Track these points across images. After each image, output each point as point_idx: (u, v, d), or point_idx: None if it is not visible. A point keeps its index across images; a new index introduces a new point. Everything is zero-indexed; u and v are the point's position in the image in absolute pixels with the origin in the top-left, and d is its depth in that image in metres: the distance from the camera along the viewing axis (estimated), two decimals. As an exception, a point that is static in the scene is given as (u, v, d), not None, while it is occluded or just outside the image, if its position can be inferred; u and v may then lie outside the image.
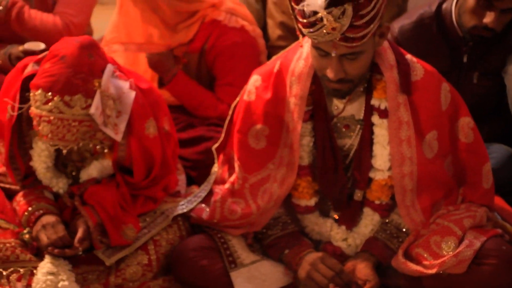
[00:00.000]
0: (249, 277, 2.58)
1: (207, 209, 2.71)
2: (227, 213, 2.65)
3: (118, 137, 2.57)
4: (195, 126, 3.23)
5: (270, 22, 3.58)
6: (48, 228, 2.58)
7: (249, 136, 2.61)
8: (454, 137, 2.56)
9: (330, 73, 2.34)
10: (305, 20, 2.25)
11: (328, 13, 2.19)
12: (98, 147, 2.60)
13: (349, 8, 2.19)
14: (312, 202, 2.63)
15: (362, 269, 2.50)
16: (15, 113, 2.61)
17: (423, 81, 2.50)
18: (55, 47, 2.57)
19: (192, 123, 3.24)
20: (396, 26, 3.05)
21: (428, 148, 2.51)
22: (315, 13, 2.21)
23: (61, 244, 2.55)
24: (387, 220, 2.61)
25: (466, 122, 2.56)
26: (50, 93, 2.45)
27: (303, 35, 2.36)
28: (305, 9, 2.22)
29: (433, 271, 2.42)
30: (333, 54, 2.31)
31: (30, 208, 2.62)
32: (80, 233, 2.56)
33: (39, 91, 2.46)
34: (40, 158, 2.66)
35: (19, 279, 2.55)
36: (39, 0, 3.60)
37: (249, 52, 3.21)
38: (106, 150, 2.65)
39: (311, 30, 2.25)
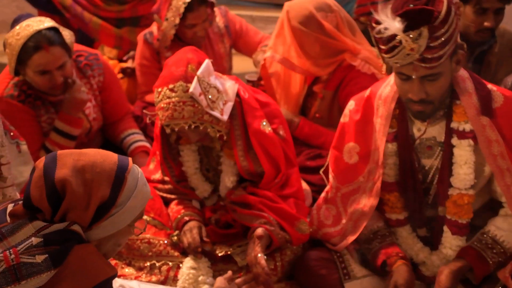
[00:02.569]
0: None
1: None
2: (322, 217, 2.75)
3: (223, 118, 2.71)
4: (323, 156, 3.24)
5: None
6: (187, 232, 2.76)
7: (344, 152, 2.68)
8: None
9: (412, 95, 2.39)
10: (385, 46, 2.32)
11: (406, 35, 2.26)
12: (209, 129, 2.70)
13: (424, 31, 2.25)
14: (401, 216, 2.65)
15: (442, 276, 2.46)
16: (150, 120, 2.87)
17: (503, 107, 2.49)
18: None
19: (321, 154, 3.29)
20: (510, 79, 2.98)
21: None
22: (394, 36, 2.28)
23: (194, 246, 2.72)
24: (485, 232, 2.54)
25: None
26: (159, 88, 2.69)
27: (387, 65, 2.46)
28: (385, 34, 2.28)
29: None
30: (413, 76, 2.36)
31: (179, 216, 2.84)
32: (259, 232, 2.67)
33: (155, 92, 2.71)
34: (189, 163, 2.90)
35: (168, 271, 2.76)
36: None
37: None
38: (218, 134, 2.72)
39: (392, 54, 2.31)
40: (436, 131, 2.55)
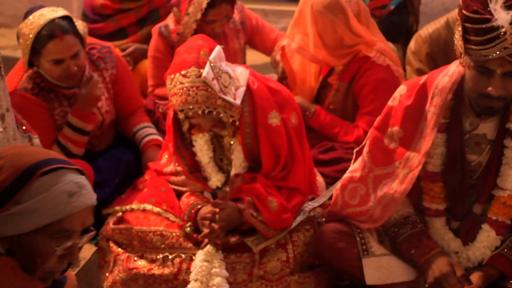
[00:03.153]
0: (378, 266, 2.64)
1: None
2: (347, 197, 2.70)
3: (237, 102, 2.74)
4: (336, 149, 3.31)
5: (408, 68, 3.62)
6: (202, 219, 2.78)
7: (386, 136, 2.64)
8: None
9: (492, 90, 2.32)
10: (481, 38, 2.24)
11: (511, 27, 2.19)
12: (222, 114, 2.73)
13: None
14: (441, 206, 2.64)
15: (477, 279, 2.50)
16: (162, 110, 2.89)
17: None
18: None
19: (333, 147, 3.33)
20: None
21: None
22: (496, 28, 2.21)
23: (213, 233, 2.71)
24: None
25: None
26: (172, 75, 2.72)
27: (465, 56, 2.36)
28: (489, 25, 2.21)
29: None
30: (498, 71, 2.30)
31: (189, 206, 2.85)
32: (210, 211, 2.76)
33: (167, 80, 2.73)
34: (202, 152, 2.92)
35: (181, 263, 2.76)
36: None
37: (390, 89, 3.07)
38: (231, 119, 2.74)
39: (489, 45, 2.24)
40: (488, 128, 2.53)
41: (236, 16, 3.90)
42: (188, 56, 2.71)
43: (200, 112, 2.70)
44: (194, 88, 2.68)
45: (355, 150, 2.83)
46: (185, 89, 2.68)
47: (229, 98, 2.72)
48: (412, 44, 3.67)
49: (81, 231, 1.68)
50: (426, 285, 2.57)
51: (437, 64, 3.50)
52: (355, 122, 3.38)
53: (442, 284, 2.51)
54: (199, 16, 3.61)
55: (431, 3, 4.71)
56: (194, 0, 3.60)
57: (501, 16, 2.21)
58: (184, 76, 2.69)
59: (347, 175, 2.75)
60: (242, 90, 2.79)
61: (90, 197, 1.66)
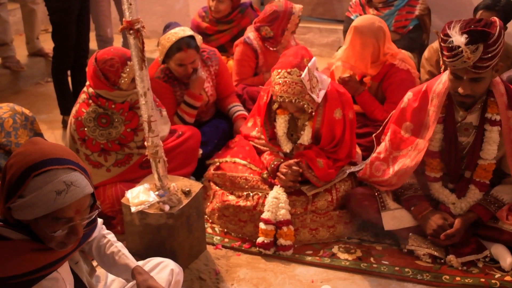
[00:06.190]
0: (393, 217, 2.64)
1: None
2: (374, 170, 2.72)
3: (318, 100, 2.72)
4: (368, 125, 3.26)
5: (422, 70, 3.57)
6: (285, 170, 2.74)
7: (402, 128, 2.63)
8: None
9: (461, 90, 2.33)
10: (449, 53, 2.25)
11: (467, 48, 2.20)
12: (305, 106, 2.71)
13: (481, 46, 2.20)
14: (438, 175, 2.64)
15: (457, 222, 2.51)
16: (268, 98, 2.87)
17: None
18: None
19: (366, 124, 3.28)
20: (505, 75, 2.95)
21: None
22: (458, 47, 2.22)
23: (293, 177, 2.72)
24: (489, 194, 2.54)
25: None
26: (280, 69, 2.69)
27: (445, 66, 2.37)
28: (452, 45, 2.22)
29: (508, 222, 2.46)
30: (464, 78, 2.30)
31: (272, 162, 2.83)
32: (294, 164, 2.74)
33: (273, 71, 2.73)
34: (280, 127, 2.90)
35: (258, 199, 2.78)
36: None
37: (409, 86, 3.06)
38: (310, 110, 2.72)
39: (453, 59, 2.25)
40: (473, 118, 2.51)
41: (293, 42, 3.91)
42: (294, 59, 2.69)
43: (293, 100, 2.69)
44: (294, 84, 2.65)
45: (374, 136, 2.83)
46: (287, 82, 2.66)
47: (314, 96, 2.70)
48: (425, 53, 3.59)
49: (90, 208, 1.53)
50: (428, 236, 2.56)
51: (442, 68, 3.46)
52: (383, 108, 3.31)
53: (439, 232, 2.51)
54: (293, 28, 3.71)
55: (438, 25, 4.59)
56: (291, 19, 3.65)
57: (457, 39, 2.20)
58: (288, 73, 2.66)
59: (374, 155, 2.75)
60: (323, 92, 2.77)
61: (79, 191, 1.45)
